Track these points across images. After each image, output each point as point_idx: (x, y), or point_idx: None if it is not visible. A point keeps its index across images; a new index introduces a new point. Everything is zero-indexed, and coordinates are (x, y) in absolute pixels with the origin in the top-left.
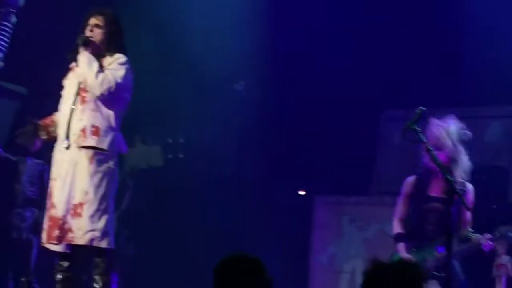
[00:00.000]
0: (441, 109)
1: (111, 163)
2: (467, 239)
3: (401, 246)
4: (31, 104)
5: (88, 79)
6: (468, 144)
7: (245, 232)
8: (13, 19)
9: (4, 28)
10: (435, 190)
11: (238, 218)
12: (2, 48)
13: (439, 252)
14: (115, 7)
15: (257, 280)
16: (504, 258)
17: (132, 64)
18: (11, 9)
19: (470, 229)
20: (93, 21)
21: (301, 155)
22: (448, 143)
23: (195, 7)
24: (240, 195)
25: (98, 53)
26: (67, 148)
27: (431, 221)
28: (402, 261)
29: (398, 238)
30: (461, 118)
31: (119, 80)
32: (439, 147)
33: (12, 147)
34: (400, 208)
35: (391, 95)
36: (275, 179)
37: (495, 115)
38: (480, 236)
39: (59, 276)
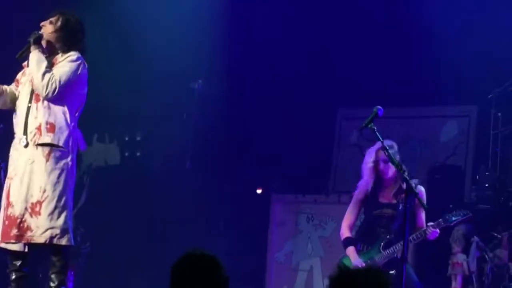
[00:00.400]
0: (397, 108)
1: (68, 160)
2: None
3: (350, 250)
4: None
5: (35, 79)
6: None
7: (202, 230)
8: None
9: None
10: (386, 196)
11: (195, 216)
12: None
13: (385, 251)
14: (74, 5)
15: (214, 278)
16: (459, 257)
17: (89, 62)
18: None
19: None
20: (49, 19)
21: (258, 154)
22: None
23: (153, 4)
24: (197, 193)
25: (51, 50)
26: (25, 146)
27: (382, 225)
28: (369, 268)
29: (347, 242)
30: (417, 117)
31: (65, 79)
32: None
33: None
34: (350, 213)
35: (347, 94)
36: (232, 177)
37: (451, 115)
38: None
39: (13, 276)
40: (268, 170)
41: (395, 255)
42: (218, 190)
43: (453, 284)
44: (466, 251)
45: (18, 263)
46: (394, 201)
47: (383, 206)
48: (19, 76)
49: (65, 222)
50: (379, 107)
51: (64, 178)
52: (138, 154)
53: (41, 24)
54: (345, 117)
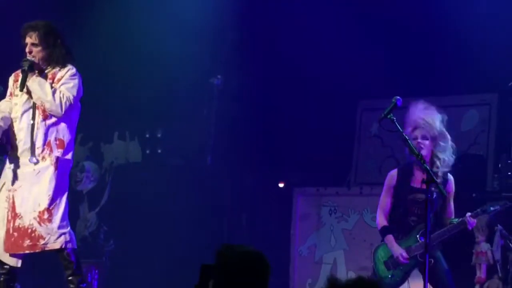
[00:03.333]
0: (417, 98)
1: (69, 167)
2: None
3: (388, 238)
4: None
5: (46, 104)
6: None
7: (225, 225)
8: None
9: None
10: (418, 181)
11: (217, 212)
12: None
13: (422, 240)
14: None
15: (254, 271)
16: (483, 246)
17: (109, 61)
18: None
19: (454, 218)
20: (28, 40)
21: (279, 148)
22: (436, 129)
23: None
24: (219, 189)
25: (44, 68)
26: (36, 163)
27: (415, 212)
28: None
29: (384, 230)
30: (437, 107)
31: (74, 94)
32: (426, 132)
33: None
34: (383, 201)
35: (367, 85)
36: (254, 172)
37: (471, 103)
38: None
39: (3, 278)
40: (290, 163)
41: (433, 244)
42: (239, 185)
43: (478, 273)
44: (490, 240)
45: (8, 266)
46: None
47: (416, 191)
48: (11, 86)
49: (70, 226)
50: (398, 97)
51: (66, 184)
52: (159, 151)
53: (27, 49)
54: (365, 108)
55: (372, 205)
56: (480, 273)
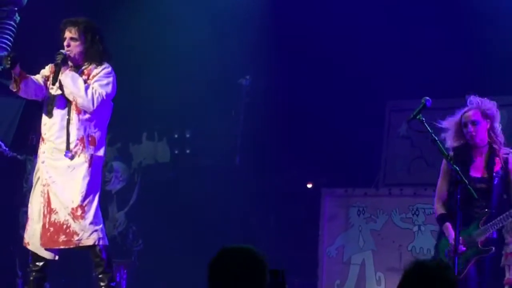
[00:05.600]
0: (446, 98)
1: (102, 165)
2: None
3: (447, 227)
4: (36, 103)
5: (78, 99)
6: None
7: (253, 225)
8: (17, 17)
9: (8, 26)
10: (477, 168)
11: (245, 212)
12: (6, 46)
13: (484, 227)
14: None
15: (250, 268)
16: None
17: (137, 61)
18: (15, 8)
19: None
20: (67, 34)
21: (307, 148)
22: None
23: (198, 1)
24: (247, 189)
25: (81, 64)
26: (71, 159)
27: (475, 201)
28: (440, 263)
29: (442, 218)
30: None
31: (108, 91)
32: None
33: (18, 146)
34: (440, 188)
35: (396, 85)
36: (282, 172)
37: (500, 104)
38: None
39: (32, 276)
40: (318, 164)
41: (492, 232)
42: (268, 185)
43: (507, 275)
44: None
45: (41, 264)
46: (486, 175)
47: (475, 181)
48: (46, 72)
49: (103, 223)
50: (427, 98)
51: (99, 181)
52: (187, 151)
53: (66, 48)
54: (394, 109)
55: (401, 206)
56: (509, 275)
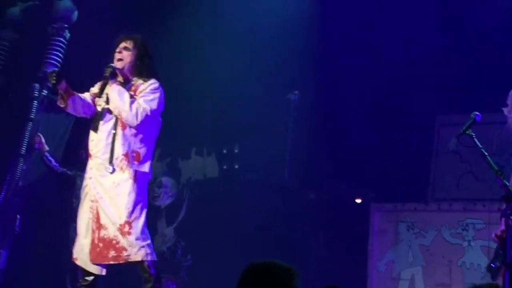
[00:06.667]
0: (495, 114)
1: (148, 181)
2: None
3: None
4: (87, 119)
5: (123, 113)
6: None
7: (302, 240)
8: (67, 34)
9: (58, 43)
10: None
11: (295, 227)
12: (56, 63)
13: None
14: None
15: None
16: None
17: (186, 76)
18: (65, 25)
19: None
20: (122, 44)
21: (356, 163)
22: None
23: (249, 16)
24: (296, 204)
25: (130, 78)
26: (111, 173)
27: None
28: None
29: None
30: None
31: (153, 107)
32: None
33: (68, 161)
34: None
35: (446, 100)
36: (331, 188)
37: None
38: None
39: None
40: (367, 179)
41: None
42: (317, 200)
43: None
44: None
45: (91, 278)
46: None
47: None
48: (95, 89)
49: (150, 238)
50: (477, 113)
51: (145, 198)
52: (236, 166)
53: (117, 55)
54: (443, 123)
55: (450, 221)
56: None
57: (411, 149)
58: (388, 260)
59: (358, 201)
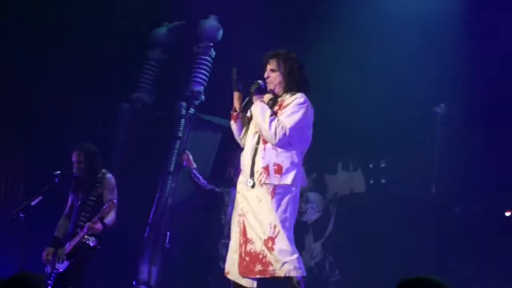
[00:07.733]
0: None
1: (292, 195)
2: None
3: None
4: (233, 137)
5: (262, 130)
6: None
7: (450, 255)
8: (212, 52)
9: (204, 62)
10: None
11: (442, 243)
12: (202, 81)
13: None
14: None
15: None
16: None
17: (329, 91)
18: (210, 43)
19: None
20: (268, 66)
21: (505, 176)
22: None
23: (393, 28)
24: (444, 219)
25: (280, 95)
26: (252, 186)
27: None
28: None
29: None
30: None
31: (293, 124)
32: None
33: (216, 179)
34: None
35: None
36: (478, 201)
37: None
38: None
39: None
40: None
41: None
42: (465, 214)
43: None
44: None
45: None
46: None
47: None
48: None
49: (297, 253)
50: None
51: (289, 212)
52: (383, 181)
53: (265, 75)
54: None
55: None
56: None
57: None
58: None
59: (508, 214)
